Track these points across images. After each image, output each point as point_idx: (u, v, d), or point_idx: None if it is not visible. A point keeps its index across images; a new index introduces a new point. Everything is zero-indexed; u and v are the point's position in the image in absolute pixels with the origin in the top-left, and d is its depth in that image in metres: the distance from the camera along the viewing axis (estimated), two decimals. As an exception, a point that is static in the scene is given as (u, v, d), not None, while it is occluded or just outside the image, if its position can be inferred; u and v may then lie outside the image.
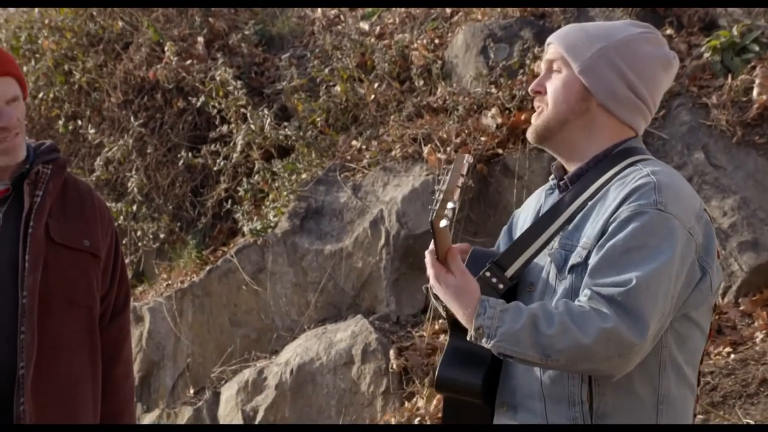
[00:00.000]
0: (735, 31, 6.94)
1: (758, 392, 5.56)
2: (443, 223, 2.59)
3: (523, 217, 3.00)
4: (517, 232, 2.97)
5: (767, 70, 6.67)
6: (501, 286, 2.75)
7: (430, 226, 2.62)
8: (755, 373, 5.65)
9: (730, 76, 6.78)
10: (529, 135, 2.86)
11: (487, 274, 2.76)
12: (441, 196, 2.60)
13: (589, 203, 2.72)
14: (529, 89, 2.87)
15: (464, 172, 2.61)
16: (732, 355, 5.86)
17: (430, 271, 2.70)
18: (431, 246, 2.69)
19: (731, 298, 6.18)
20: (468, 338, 2.64)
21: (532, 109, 2.89)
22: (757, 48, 6.86)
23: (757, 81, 6.62)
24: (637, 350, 2.54)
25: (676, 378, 2.68)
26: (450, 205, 2.58)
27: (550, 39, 2.87)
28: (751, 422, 5.27)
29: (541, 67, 2.89)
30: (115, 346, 3.68)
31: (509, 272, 2.77)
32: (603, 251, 2.60)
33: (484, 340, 2.60)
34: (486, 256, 2.84)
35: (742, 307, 6.13)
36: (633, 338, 2.51)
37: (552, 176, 2.91)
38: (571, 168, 2.83)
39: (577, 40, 2.80)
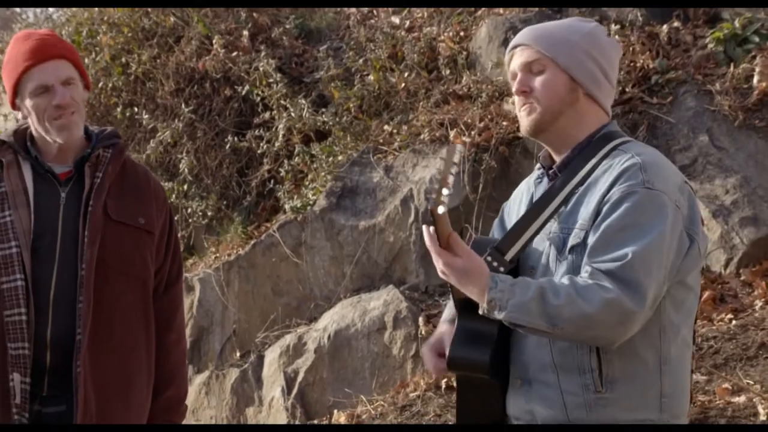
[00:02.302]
0: (737, 24, 6.90)
1: (757, 355, 5.55)
2: (441, 209, 2.51)
3: (516, 207, 3.00)
4: (511, 222, 2.97)
5: (767, 59, 6.64)
6: (501, 269, 2.74)
7: (430, 215, 2.54)
8: (755, 338, 5.64)
9: (732, 65, 6.74)
10: (524, 130, 2.85)
11: (488, 258, 2.75)
12: (437, 185, 2.52)
13: (581, 188, 2.73)
14: (514, 90, 2.85)
15: (456, 160, 2.52)
16: (733, 321, 5.85)
17: (437, 260, 2.62)
18: (431, 232, 2.59)
19: (733, 269, 6.16)
20: (480, 312, 2.62)
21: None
22: (757, 39, 6.81)
23: (758, 69, 6.59)
24: (637, 318, 2.56)
25: (675, 339, 2.70)
26: (445, 191, 2.50)
27: (519, 42, 2.85)
28: (751, 382, 5.26)
29: (511, 70, 2.87)
30: (169, 314, 3.70)
31: (508, 256, 2.77)
32: (599, 232, 2.61)
33: (496, 312, 2.59)
34: (487, 243, 2.84)
35: (742, 278, 6.11)
36: (633, 307, 2.53)
37: (538, 165, 2.92)
38: (559, 157, 2.84)
39: (552, 39, 2.81)
